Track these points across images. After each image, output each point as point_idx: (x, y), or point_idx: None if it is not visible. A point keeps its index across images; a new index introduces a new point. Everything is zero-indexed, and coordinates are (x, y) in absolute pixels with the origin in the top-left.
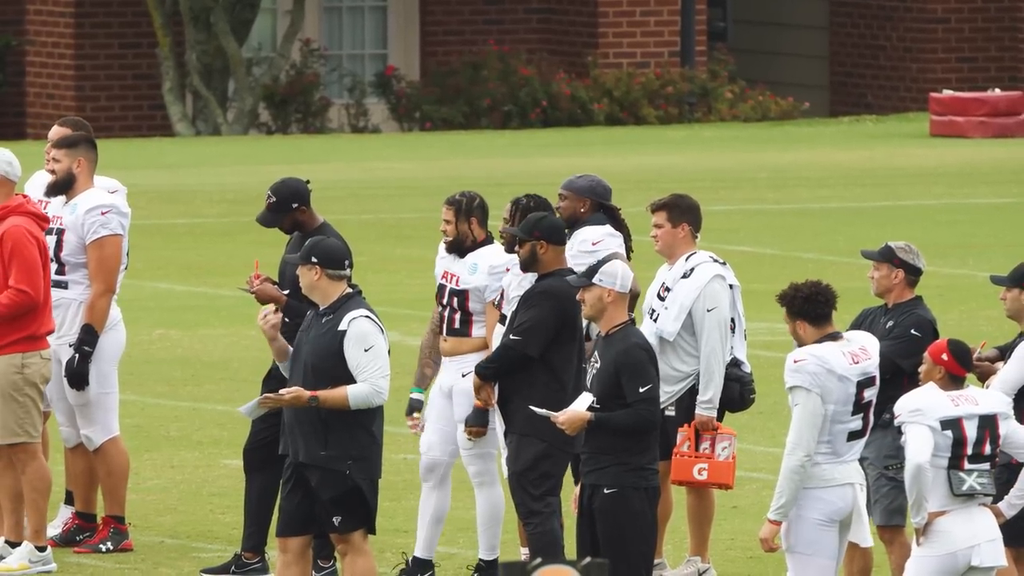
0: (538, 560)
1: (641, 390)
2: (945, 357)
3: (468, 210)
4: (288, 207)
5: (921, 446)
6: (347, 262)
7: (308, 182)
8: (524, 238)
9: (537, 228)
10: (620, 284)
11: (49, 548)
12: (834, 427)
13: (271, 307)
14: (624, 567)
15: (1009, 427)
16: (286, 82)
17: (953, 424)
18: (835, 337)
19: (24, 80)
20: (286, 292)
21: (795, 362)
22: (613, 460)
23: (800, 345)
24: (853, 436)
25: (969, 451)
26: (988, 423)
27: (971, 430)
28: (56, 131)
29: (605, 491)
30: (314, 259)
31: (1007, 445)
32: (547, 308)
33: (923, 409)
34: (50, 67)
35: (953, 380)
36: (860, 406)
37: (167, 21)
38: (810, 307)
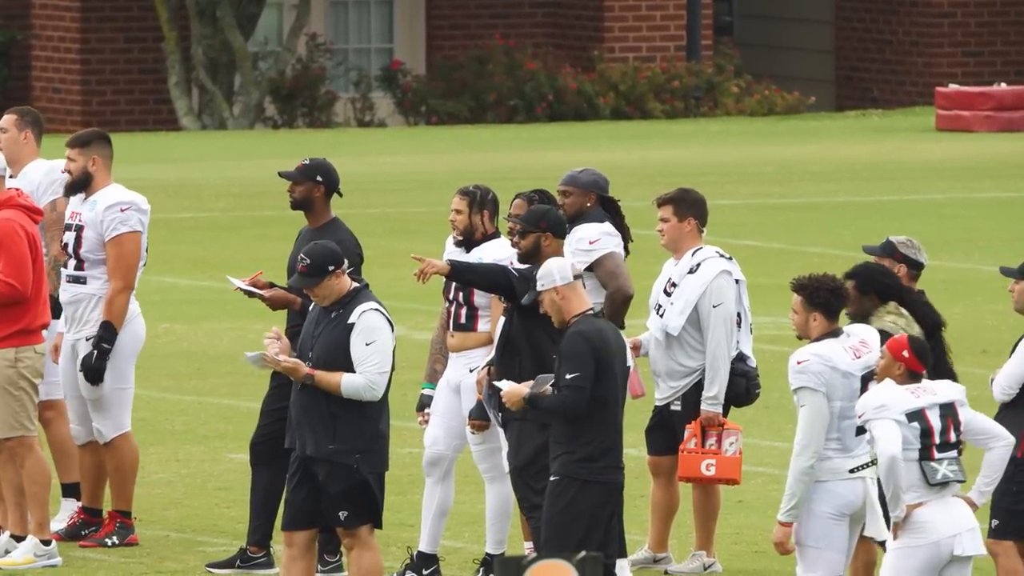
0: (532, 555)
1: (568, 376)
2: (906, 354)
3: (481, 202)
4: (313, 176)
5: (891, 439)
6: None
7: (341, 196)
8: (530, 229)
9: (544, 220)
10: (560, 276)
11: (54, 542)
12: (842, 423)
13: (278, 336)
14: None
15: (967, 414)
16: (292, 76)
17: (918, 415)
18: (836, 334)
19: (30, 74)
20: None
21: (799, 363)
22: (563, 449)
23: (801, 335)
24: (861, 430)
25: (937, 440)
26: (948, 411)
27: (935, 419)
28: (4, 119)
29: (551, 478)
30: (331, 266)
31: (968, 432)
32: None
33: (887, 404)
34: (56, 61)
35: (912, 376)
36: None
37: (173, 15)
38: (834, 300)
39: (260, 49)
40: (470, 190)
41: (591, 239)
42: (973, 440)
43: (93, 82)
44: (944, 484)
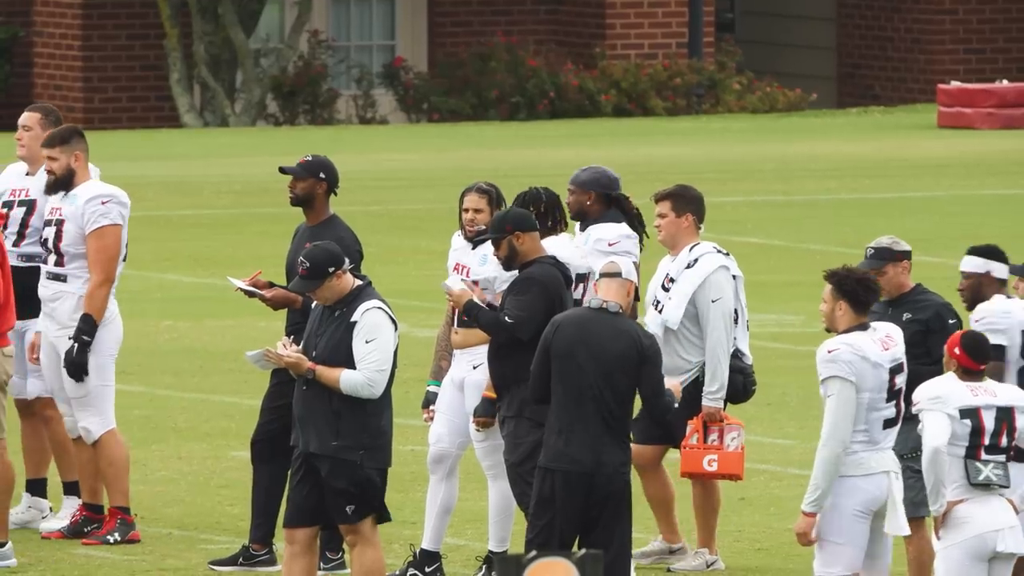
0: (533, 553)
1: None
2: (957, 351)
3: (498, 199)
4: (316, 173)
5: (938, 431)
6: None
7: (336, 194)
8: (499, 236)
9: (506, 222)
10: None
11: (9, 543)
12: (870, 415)
13: (288, 342)
14: None
15: None
16: (294, 73)
17: (972, 413)
18: (864, 327)
19: (32, 71)
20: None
21: (829, 352)
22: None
23: (829, 326)
24: (888, 424)
25: (986, 441)
26: (1005, 415)
27: (989, 421)
28: (27, 117)
29: None
30: (331, 268)
31: (1022, 438)
32: (536, 293)
33: (942, 397)
34: (58, 58)
35: (967, 373)
36: (892, 393)
37: (175, 12)
38: (862, 291)
39: (262, 46)
40: (485, 188)
41: (611, 241)
42: None
43: (95, 79)
44: (985, 486)
